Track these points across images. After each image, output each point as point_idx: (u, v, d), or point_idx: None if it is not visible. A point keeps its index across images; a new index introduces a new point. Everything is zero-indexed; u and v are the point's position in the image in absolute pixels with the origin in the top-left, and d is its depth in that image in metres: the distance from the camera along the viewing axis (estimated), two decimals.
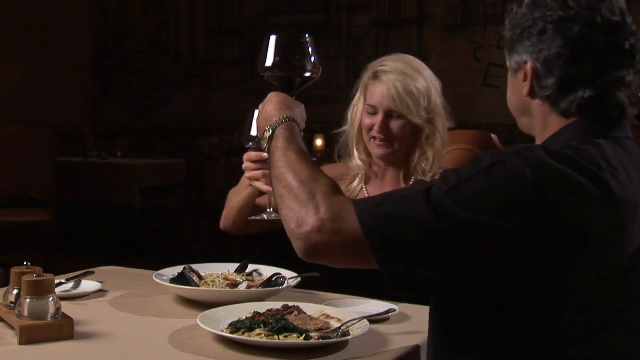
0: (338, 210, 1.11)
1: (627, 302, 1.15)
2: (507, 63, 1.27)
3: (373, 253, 1.08)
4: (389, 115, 1.94)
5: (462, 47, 5.65)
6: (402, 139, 1.95)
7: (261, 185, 1.80)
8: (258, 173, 1.79)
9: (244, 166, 1.83)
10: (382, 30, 6.06)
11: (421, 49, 5.61)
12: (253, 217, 1.83)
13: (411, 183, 1.92)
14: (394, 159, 2.00)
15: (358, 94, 2.03)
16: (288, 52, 1.44)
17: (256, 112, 1.68)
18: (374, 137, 1.96)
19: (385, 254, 1.08)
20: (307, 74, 1.45)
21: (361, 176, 2.05)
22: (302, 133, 1.34)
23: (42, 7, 6.68)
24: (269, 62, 1.42)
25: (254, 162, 1.79)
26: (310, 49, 1.44)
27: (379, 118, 1.94)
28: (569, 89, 1.17)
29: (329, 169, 2.10)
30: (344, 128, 2.07)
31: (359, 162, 2.04)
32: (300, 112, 1.37)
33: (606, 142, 1.14)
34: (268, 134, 1.30)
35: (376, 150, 1.98)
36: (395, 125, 1.94)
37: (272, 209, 1.77)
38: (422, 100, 1.93)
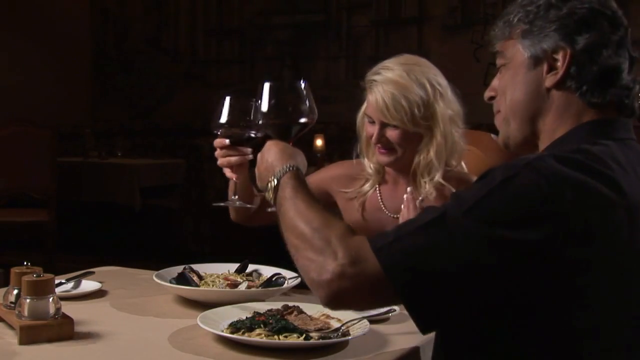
0: (356, 253, 1.07)
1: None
2: (526, 54, 1.20)
3: (397, 292, 1.05)
4: (384, 125, 1.91)
5: (462, 47, 5.64)
6: (402, 146, 1.92)
7: (228, 172, 1.78)
8: (228, 159, 1.77)
9: (216, 153, 1.79)
10: (382, 30, 6.06)
11: (421, 49, 5.60)
12: (216, 204, 1.78)
13: (420, 210, 1.80)
14: (400, 166, 1.97)
15: (365, 104, 2.00)
16: (283, 99, 1.44)
17: (227, 100, 1.70)
18: (377, 145, 1.95)
19: (409, 291, 1.05)
20: (303, 120, 1.44)
21: (373, 180, 2.02)
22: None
23: (42, 7, 6.68)
24: (264, 109, 1.43)
25: (223, 148, 1.77)
26: (305, 94, 1.44)
27: (375, 128, 1.92)
28: (608, 80, 1.16)
29: (343, 166, 2.10)
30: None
31: (370, 170, 2.02)
32: (302, 160, 1.36)
33: (614, 143, 1.14)
34: (273, 184, 1.28)
35: (379, 157, 1.95)
36: (391, 134, 1.91)
37: (235, 196, 1.76)
38: (416, 109, 1.87)
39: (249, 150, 1.76)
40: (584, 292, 1.06)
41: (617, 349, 1.11)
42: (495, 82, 1.28)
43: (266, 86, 1.43)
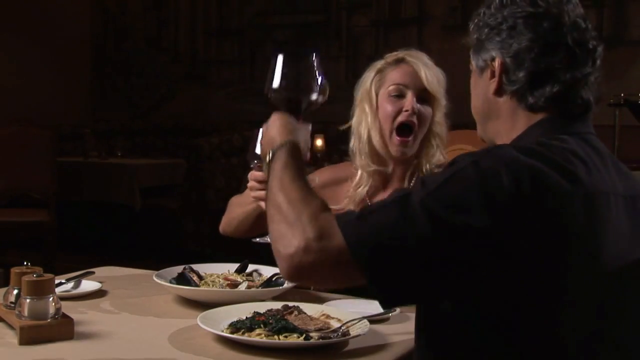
0: (323, 229, 1.10)
1: (617, 314, 1.16)
2: (473, 65, 1.29)
3: (359, 266, 1.07)
4: (419, 97, 1.85)
5: (462, 47, 5.64)
6: (423, 131, 1.86)
7: (263, 205, 1.77)
8: (262, 193, 1.74)
9: (249, 184, 1.80)
10: (382, 30, 6.06)
11: (421, 49, 5.59)
12: (257, 240, 1.75)
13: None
14: (408, 158, 1.91)
15: (367, 103, 1.93)
16: (294, 72, 1.40)
17: (260, 132, 1.68)
18: (400, 127, 1.85)
19: (370, 266, 1.07)
20: (314, 96, 1.41)
21: (364, 185, 1.94)
22: (307, 155, 1.34)
23: (42, 7, 6.68)
24: (275, 82, 1.39)
25: (259, 182, 1.76)
26: (317, 70, 1.41)
27: (408, 99, 1.85)
28: (538, 82, 1.19)
29: (333, 170, 2.08)
30: (350, 144, 1.98)
31: (364, 173, 1.94)
32: (303, 135, 1.37)
33: (571, 137, 1.17)
34: (269, 157, 1.30)
35: (398, 147, 1.86)
36: (424, 112, 1.85)
37: None
38: (444, 93, 1.88)
39: None
40: (550, 284, 1.08)
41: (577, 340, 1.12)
42: None
43: (279, 58, 1.40)
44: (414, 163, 1.93)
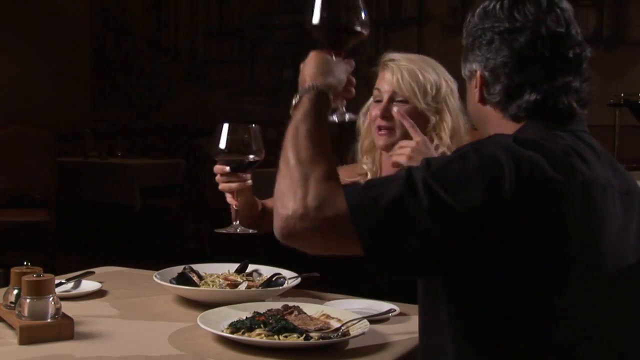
0: (325, 198, 1.11)
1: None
2: (462, 72, 1.34)
3: (356, 232, 1.08)
4: (392, 99, 1.91)
5: (462, 47, 5.64)
6: (404, 128, 1.88)
7: (229, 198, 1.78)
8: (228, 185, 1.77)
9: (216, 178, 1.80)
10: (382, 30, 6.06)
11: (421, 49, 5.59)
12: (218, 230, 1.78)
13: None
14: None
15: (370, 100, 2.00)
16: (335, 7, 1.33)
17: (225, 126, 1.71)
18: (378, 127, 1.92)
19: (368, 233, 1.08)
20: (357, 28, 1.33)
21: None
22: (351, 91, 1.32)
23: (42, 7, 6.68)
24: (316, 15, 1.32)
25: (221, 175, 1.78)
26: (360, 4, 1.34)
27: (382, 104, 1.91)
28: (515, 94, 1.23)
29: (343, 171, 2.08)
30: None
31: (365, 167, 2.00)
32: (342, 73, 1.32)
33: (565, 134, 1.20)
34: (295, 101, 1.27)
35: (378, 141, 1.94)
36: (398, 108, 1.90)
37: (237, 222, 1.76)
38: (430, 87, 1.90)
39: (249, 176, 1.77)
40: (536, 267, 1.10)
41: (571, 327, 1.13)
42: None
43: None
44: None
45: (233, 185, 1.77)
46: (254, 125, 1.72)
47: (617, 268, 1.16)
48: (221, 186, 1.79)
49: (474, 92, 1.30)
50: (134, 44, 7.11)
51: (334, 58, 1.33)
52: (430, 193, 1.07)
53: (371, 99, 2.00)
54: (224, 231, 1.75)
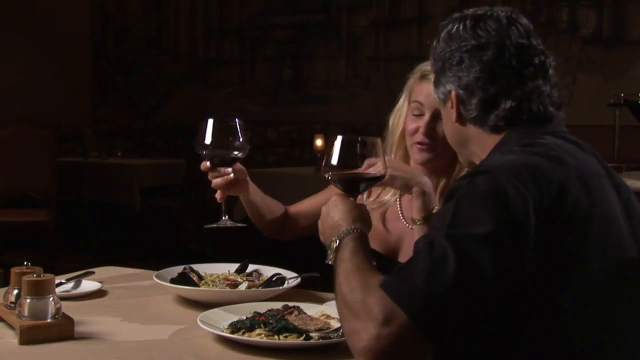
0: (385, 311, 1.08)
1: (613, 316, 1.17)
2: (436, 96, 1.37)
3: (426, 336, 1.07)
4: (436, 115, 1.78)
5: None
6: (446, 144, 1.70)
7: (218, 194, 1.79)
8: (212, 182, 1.78)
9: (209, 176, 1.80)
10: (382, 30, 6.06)
11: (421, 49, 5.60)
12: (208, 226, 1.80)
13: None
14: (435, 167, 1.84)
15: (402, 99, 1.89)
16: (350, 152, 1.40)
17: (209, 122, 1.72)
18: (418, 143, 1.81)
19: (437, 332, 1.07)
20: (373, 173, 1.42)
21: (393, 193, 1.90)
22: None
23: (42, 7, 6.68)
24: (334, 161, 1.39)
25: (203, 170, 1.78)
26: (378, 149, 1.42)
27: (424, 119, 1.80)
28: (491, 105, 1.27)
29: None
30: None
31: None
32: (368, 218, 1.36)
33: (547, 136, 1.24)
34: (335, 245, 1.28)
35: (417, 155, 1.82)
36: (442, 127, 1.71)
37: (226, 217, 1.78)
38: None
39: (229, 170, 1.77)
40: (566, 279, 1.11)
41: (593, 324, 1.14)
42: None
43: (338, 139, 1.41)
44: (444, 180, 1.86)
45: (217, 180, 1.77)
46: (237, 119, 1.73)
47: (620, 259, 1.17)
48: (213, 183, 1.80)
49: (450, 114, 1.33)
50: (134, 44, 7.11)
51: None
52: (458, 243, 1.07)
53: (402, 102, 1.88)
54: (214, 225, 1.77)
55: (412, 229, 1.76)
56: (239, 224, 1.78)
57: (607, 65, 5.09)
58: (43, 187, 4.96)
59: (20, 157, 4.96)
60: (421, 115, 1.82)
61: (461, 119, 1.31)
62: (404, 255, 1.78)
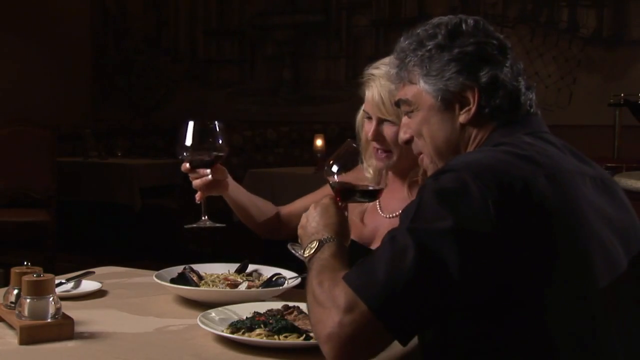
0: (346, 300, 1.12)
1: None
2: (434, 98, 1.30)
3: (386, 327, 1.10)
4: (380, 121, 1.81)
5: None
6: (398, 146, 1.79)
7: (197, 195, 1.84)
8: (198, 182, 1.84)
9: (191, 177, 1.86)
10: (382, 30, 6.07)
11: None
12: (188, 226, 1.85)
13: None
14: (397, 169, 1.87)
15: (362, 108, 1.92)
16: (347, 159, 1.49)
17: (190, 124, 1.79)
18: (375, 148, 1.85)
19: (396, 324, 1.11)
20: (372, 188, 1.53)
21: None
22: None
23: (42, 7, 6.68)
24: (335, 168, 1.47)
25: (183, 171, 1.83)
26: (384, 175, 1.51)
27: (372, 124, 1.83)
28: (514, 100, 1.29)
29: (346, 175, 2.05)
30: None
31: (369, 174, 1.93)
32: (349, 234, 1.41)
33: (526, 136, 1.25)
34: (315, 245, 1.32)
35: (376, 160, 1.86)
36: (388, 131, 1.81)
37: (205, 217, 1.83)
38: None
39: (207, 171, 1.82)
40: (538, 277, 1.12)
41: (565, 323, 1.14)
42: (406, 124, 1.38)
43: (349, 142, 1.52)
44: (410, 174, 1.88)
45: (197, 182, 1.83)
46: (216, 122, 1.78)
47: (604, 255, 1.17)
48: (194, 183, 1.85)
49: (454, 117, 1.30)
50: (134, 44, 7.12)
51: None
52: (418, 236, 1.11)
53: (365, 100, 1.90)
54: (194, 225, 1.82)
55: (390, 218, 1.85)
56: (218, 224, 1.83)
57: (607, 65, 5.10)
58: (43, 187, 4.96)
59: (20, 157, 4.96)
60: (370, 118, 1.84)
61: (474, 118, 1.28)
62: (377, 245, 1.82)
